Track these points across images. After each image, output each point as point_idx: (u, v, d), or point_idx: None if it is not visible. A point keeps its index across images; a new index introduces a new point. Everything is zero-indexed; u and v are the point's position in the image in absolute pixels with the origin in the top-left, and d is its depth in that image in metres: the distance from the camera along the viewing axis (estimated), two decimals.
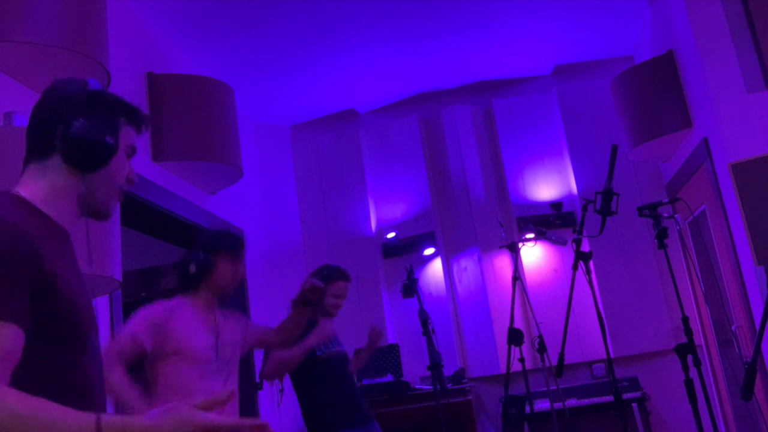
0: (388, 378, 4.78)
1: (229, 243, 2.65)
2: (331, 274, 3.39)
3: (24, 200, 1.29)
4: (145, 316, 2.47)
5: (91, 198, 1.37)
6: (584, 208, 3.15)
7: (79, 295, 1.30)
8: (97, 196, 1.38)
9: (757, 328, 3.19)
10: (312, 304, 2.81)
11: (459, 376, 4.79)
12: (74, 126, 1.30)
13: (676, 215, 3.62)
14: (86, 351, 1.29)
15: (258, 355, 4.34)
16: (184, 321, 2.51)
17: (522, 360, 3.92)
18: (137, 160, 3.47)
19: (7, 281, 1.13)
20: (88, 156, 1.32)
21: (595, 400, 4.65)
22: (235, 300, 4.38)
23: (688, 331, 2.87)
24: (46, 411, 1.07)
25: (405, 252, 5.25)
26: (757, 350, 2.03)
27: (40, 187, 1.31)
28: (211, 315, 2.62)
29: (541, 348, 3.86)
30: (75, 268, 1.35)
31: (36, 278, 1.17)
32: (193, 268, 2.56)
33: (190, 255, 2.59)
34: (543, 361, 3.91)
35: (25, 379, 1.13)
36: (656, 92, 4.31)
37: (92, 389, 1.31)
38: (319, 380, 3.39)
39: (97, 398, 1.32)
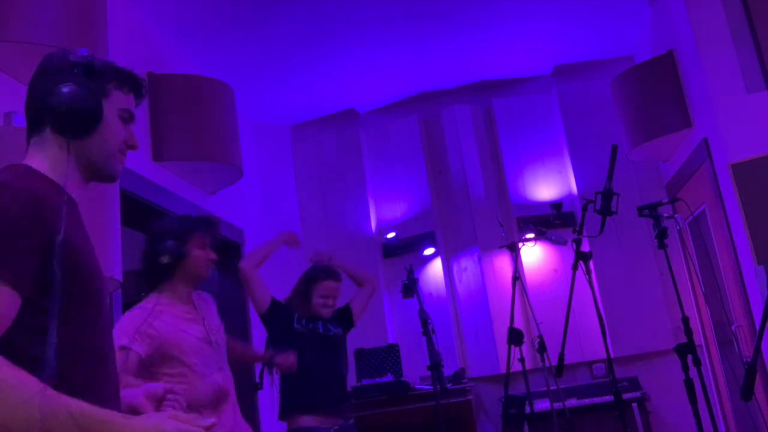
0: (388, 378, 4.78)
1: (200, 225, 2.50)
2: (317, 275, 3.37)
3: (34, 170, 1.32)
4: (126, 324, 2.32)
5: (89, 164, 1.39)
6: (584, 208, 3.15)
7: (93, 259, 1.35)
8: (94, 161, 1.39)
9: (757, 328, 3.19)
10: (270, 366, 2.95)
11: (459, 376, 4.79)
12: (57, 95, 1.31)
13: (676, 215, 3.63)
14: (102, 313, 1.33)
15: None
16: (169, 319, 2.37)
17: (522, 360, 3.92)
18: (137, 160, 3.48)
19: (12, 244, 1.15)
20: (73, 123, 1.33)
21: (595, 400, 4.65)
22: (235, 301, 4.39)
23: (688, 331, 2.87)
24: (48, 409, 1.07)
25: (405, 252, 5.25)
26: (757, 350, 2.03)
27: (42, 158, 1.34)
28: (190, 305, 2.49)
29: (541, 348, 3.86)
30: (85, 234, 1.39)
31: (49, 243, 1.19)
32: (165, 259, 2.39)
33: (157, 245, 2.41)
34: (543, 361, 3.91)
35: (55, 342, 1.15)
36: (656, 92, 4.31)
37: (108, 351, 1.35)
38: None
39: (111, 361, 1.36)
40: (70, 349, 1.22)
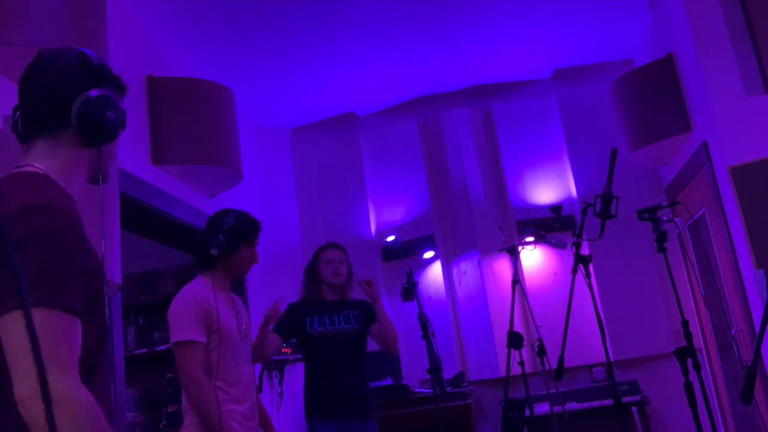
0: (388, 381, 4.77)
1: (252, 229, 2.68)
2: (317, 251, 3.60)
3: (51, 179, 1.29)
4: (193, 317, 2.43)
5: (93, 168, 1.39)
6: (584, 212, 3.14)
7: (96, 254, 1.35)
8: (106, 166, 1.40)
9: (757, 331, 3.19)
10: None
11: (459, 379, 4.79)
12: (92, 100, 1.29)
13: (675, 219, 3.62)
14: (102, 300, 1.34)
15: None
16: (219, 301, 2.52)
17: (522, 363, 3.91)
18: (137, 163, 3.48)
19: (68, 272, 1.16)
20: (105, 131, 1.32)
21: (595, 403, 4.65)
22: None
23: (688, 335, 2.86)
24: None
25: (405, 255, 5.25)
26: (757, 354, 2.03)
27: (53, 162, 1.30)
28: (228, 295, 2.65)
29: (541, 351, 3.85)
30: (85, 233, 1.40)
31: (87, 262, 1.23)
32: (214, 252, 2.56)
33: (211, 236, 2.59)
34: (543, 364, 3.90)
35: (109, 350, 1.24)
36: (656, 96, 4.31)
37: (106, 330, 1.37)
38: (310, 359, 3.42)
39: (106, 339, 1.39)
40: (96, 347, 1.26)
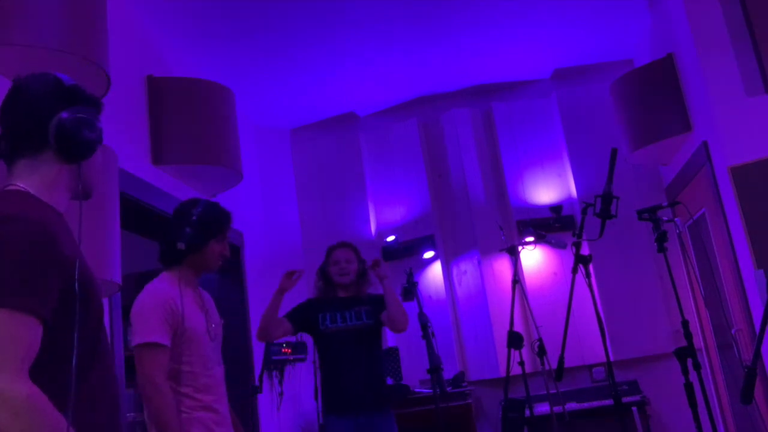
0: (388, 381, 4.77)
1: (222, 222, 2.48)
2: (327, 251, 3.66)
3: (31, 194, 1.36)
4: (159, 318, 2.25)
5: (83, 184, 1.45)
6: (584, 212, 3.14)
7: (89, 268, 1.42)
8: (89, 183, 1.47)
9: (757, 331, 3.19)
10: None
11: (459, 379, 4.79)
12: (66, 121, 1.36)
13: (675, 219, 3.62)
14: (92, 309, 1.38)
15: (257, 358, 4.34)
16: (186, 299, 2.34)
17: (522, 363, 3.91)
18: (137, 163, 3.48)
19: (32, 277, 1.21)
20: (81, 148, 1.39)
21: (595, 403, 4.65)
22: (235, 303, 4.38)
23: (688, 335, 2.86)
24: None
25: (405, 255, 5.25)
26: (757, 354, 2.03)
27: (34, 181, 1.38)
28: (196, 292, 2.46)
29: (541, 351, 3.85)
30: (77, 245, 1.43)
31: (64, 269, 1.26)
32: (182, 246, 2.35)
33: (177, 230, 2.38)
34: (543, 364, 3.90)
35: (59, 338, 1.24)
36: (656, 96, 4.31)
37: (101, 339, 1.41)
38: (323, 356, 3.49)
39: (111, 358, 1.44)
40: (88, 355, 1.32)
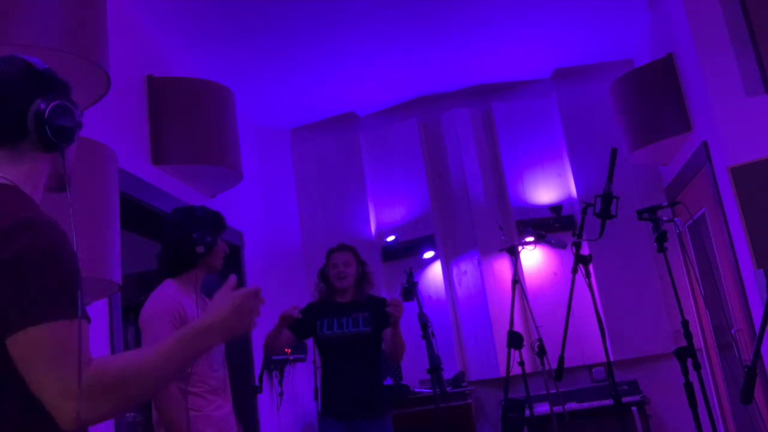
0: (388, 381, 4.77)
1: (222, 219, 2.63)
2: (327, 254, 3.64)
3: (20, 189, 1.29)
4: (166, 324, 2.33)
5: (56, 175, 1.39)
6: (584, 212, 3.14)
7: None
8: (69, 172, 1.38)
9: (757, 331, 3.19)
10: None
11: (459, 379, 4.79)
12: (46, 108, 1.30)
13: (675, 219, 3.62)
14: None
15: (257, 358, 4.34)
16: (191, 306, 2.44)
17: (522, 363, 3.91)
18: (137, 163, 3.48)
19: (67, 280, 1.18)
20: (64, 136, 1.32)
21: (595, 403, 4.65)
22: None
23: (688, 335, 2.86)
24: (151, 355, 1.22)
25: (405, 255, 5.25)
26: (757, 354, 2.03)
27: (17, 172, 1.31)
28: (199, 297, 2.55)
29: (541, 351, 3.85)
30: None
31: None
32: (201, 249, 2.48)
33: (194, 234, 2.48)
34: (543, 364, 3.90)
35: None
36: (656, 96, 4.31)
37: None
38: (322, 360, 3.50)
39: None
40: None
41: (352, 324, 3.45)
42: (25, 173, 1.32)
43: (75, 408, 1.10)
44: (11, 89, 1.32)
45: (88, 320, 1.22)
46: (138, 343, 4.70)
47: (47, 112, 1.30)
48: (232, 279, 1.42)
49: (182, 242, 2.49)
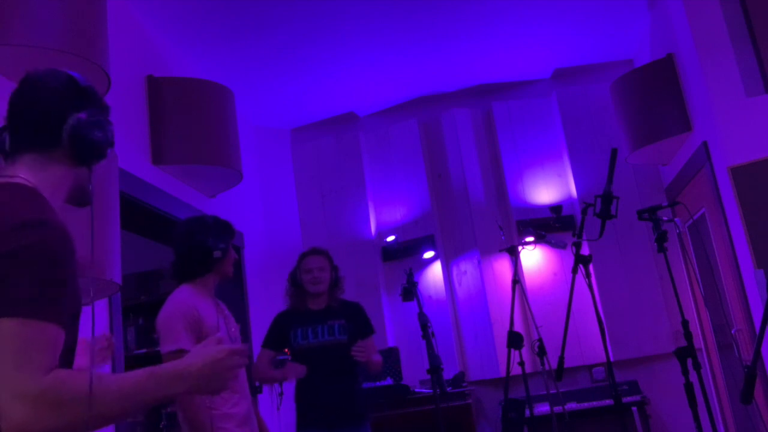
0: (388, 381, 4.77)
1: (232, 226, 2.71)
2: (299, 257, 3.55)
3: (38, 192, 1.31)
4: (183, 326, 2.41)
5: (78, 188, 1.42)
6: (584, 212, 3.14)
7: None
8: (90, 187, 1.43)
9: (757, 331, 3.19)
10: None
11: (459, 379, 4.79)
12: (84, 122, 1.34)
13: (675, 219, 3.62)
14: (80, 312, 1.36)
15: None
16: (207, 308, 2.51)
17: (522, 363, 3.91)
18: (137, 163, 3.48)
19: (58, 285, 1.18)
20: (95, 151, 1.37)
21: (595, 403, 4.65)
22: (234, 303, 4.38)
23: (688, 335, 2.86)
24: (119, 381, 1.20)
25: (405, 255, 5.25)
26: (757, 354, 2.03)
27: (41, 178, 1.34)
28: (214, 300, 2.62)
29: (541, 351, 3.85)
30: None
31: (74, 276, 1.25)
32: (218, 254, 2.56)
33: (210, 240, 2.57)
34: (543, 364, 3.90)
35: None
36: (656, 96, 4.31)
37: (74, 347, 1.38)
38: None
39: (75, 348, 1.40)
40: (67, 353, 1.28)
41: (327, 332, 3.37)
42: (48, 180, 1.35)
43: (21, 411, 1.08)
44: (52, 99, 1.36)
45: (68, 329, 1.20)
46: (138, 343, 4.70)
47: (83, 125, 1.34)
48: (222, 335, 1.42)
49: (199, 247, 2.56)
